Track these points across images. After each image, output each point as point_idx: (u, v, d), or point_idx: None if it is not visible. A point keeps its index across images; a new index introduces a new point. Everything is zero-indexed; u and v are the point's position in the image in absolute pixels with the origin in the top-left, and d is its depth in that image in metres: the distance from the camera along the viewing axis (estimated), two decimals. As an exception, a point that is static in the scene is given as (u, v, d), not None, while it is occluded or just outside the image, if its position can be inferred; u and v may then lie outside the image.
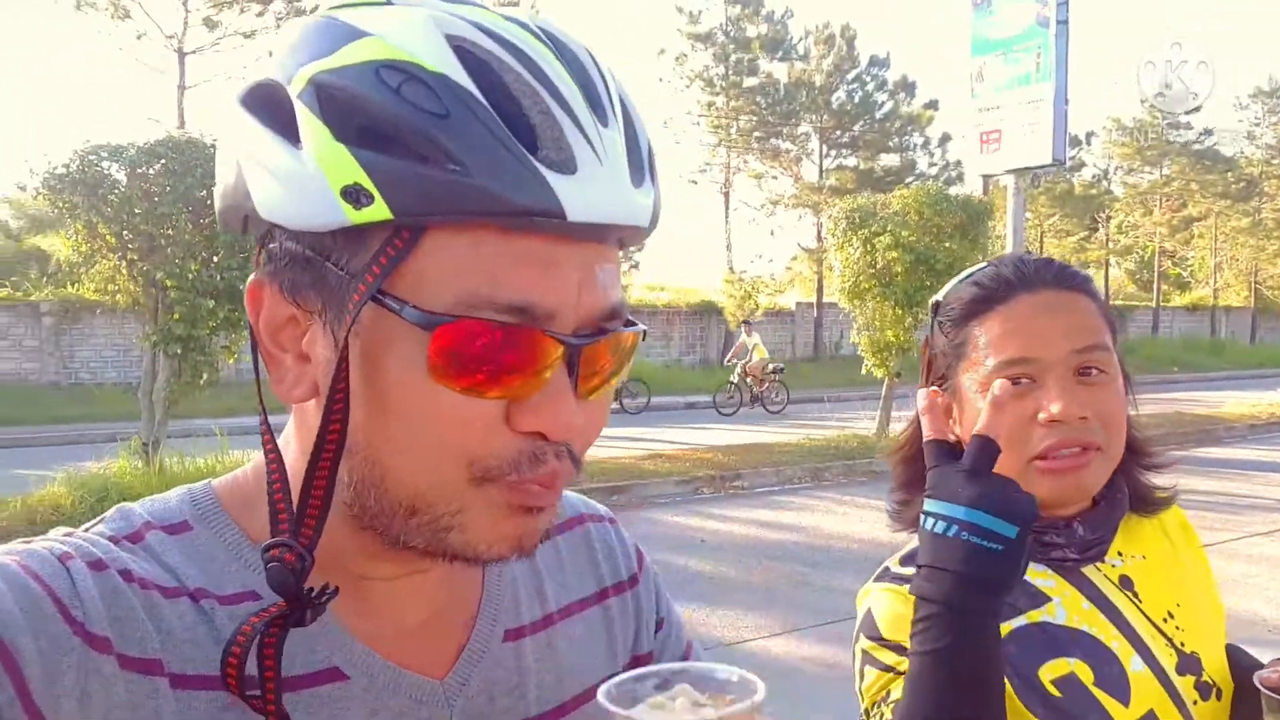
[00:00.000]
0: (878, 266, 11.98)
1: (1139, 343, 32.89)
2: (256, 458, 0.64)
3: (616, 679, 0.56)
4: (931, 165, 30.99)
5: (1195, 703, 1.03)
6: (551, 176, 0.52)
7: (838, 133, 29.73)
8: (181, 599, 0.58)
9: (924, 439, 0.95)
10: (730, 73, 29.10)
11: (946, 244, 12.06)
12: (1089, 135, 38.12)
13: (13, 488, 8.01)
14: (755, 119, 29.28)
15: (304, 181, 0.53)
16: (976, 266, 1.15)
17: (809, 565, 7.07)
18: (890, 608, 1.04)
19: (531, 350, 0.54)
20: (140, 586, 0.56)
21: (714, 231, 53.02)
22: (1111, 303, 32.55)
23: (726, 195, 31.16)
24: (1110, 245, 39.14)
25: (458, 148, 0.51)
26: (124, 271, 7.90)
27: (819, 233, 28.99)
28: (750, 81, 28.71)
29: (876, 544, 7.80)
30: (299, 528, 0.57)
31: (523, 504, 0.57)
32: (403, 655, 0.64)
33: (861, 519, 8.77)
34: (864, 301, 12.27)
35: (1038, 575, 1.06)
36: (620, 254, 0.61)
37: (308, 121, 0.53)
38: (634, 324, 0.60)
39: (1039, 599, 1.05)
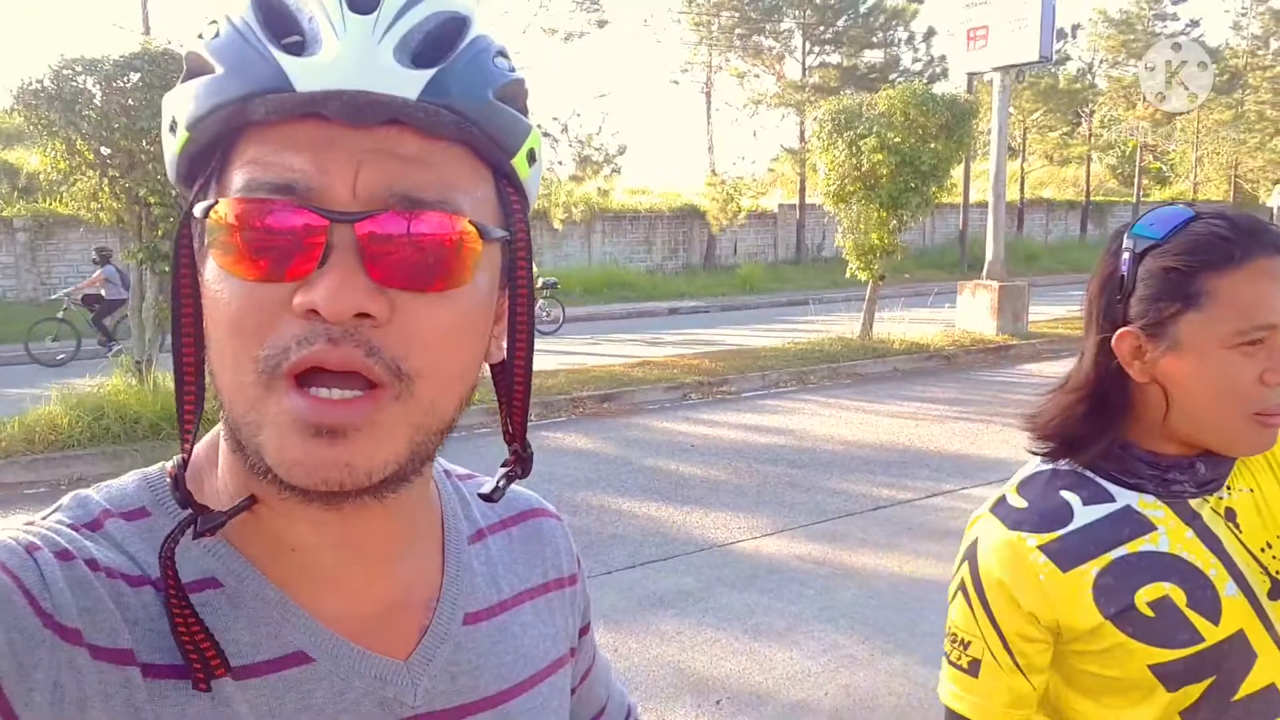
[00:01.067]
0: (863, 169, 11.93)
1: (1119, 239, 32.93)
2: (210, 432, 0.67)
3: None
4: (915, 61, 30.49)
5: None
6: (285, 58, 0.55)
7: (821, 28, 29.07)
8: (145, 588, 0.58)
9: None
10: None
11: (931, 144, 12.00)
12: (1074, 28, 37.47)
13: (5, 408, 8.07)
14: (737, 15, 28.55)
15: (167, 138, 0.62)
16: (1173, 210, 1.16)
17: (797, 467, 7.27)
18: (996, 552, 1.16)
19: (293, 223, 0.54)
20: (106, 576, 0.57)
21: (696, 133, 52.24)
22: (1092, 199, 32.19)
23: (708, 95, 30.56)
24: (1092, 140, 38.85)
25: (217, 56, 0.57)
26: (106, 189, 7.76)
27: (802, 133, 28.62)
28: (731, -24, 27.93)
29: (860, 445, 8.02)
30: (181, 441, 0.61)
31: (309, 420, 0.55)
32: (367, 638, 0.65)
33: (846, 421, 8.97)
34: (849, 205, 12.26)
35: (1147, 506, 1.16)
36: (439, 144, 0.58)
37: None
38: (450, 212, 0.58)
39: (1144, 527, 1.14)
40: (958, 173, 17.67)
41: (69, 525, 0.60)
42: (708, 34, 29.52)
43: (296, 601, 0.63)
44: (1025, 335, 13.65)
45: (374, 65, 0.56)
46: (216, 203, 0.56)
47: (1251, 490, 1.19)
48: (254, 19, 0.57)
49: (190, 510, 0.60)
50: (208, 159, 0.59)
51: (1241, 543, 1.15)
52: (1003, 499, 1.21)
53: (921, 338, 12.87)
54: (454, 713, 0.68)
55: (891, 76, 28.33)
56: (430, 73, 0.57)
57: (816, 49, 29.82)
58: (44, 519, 0.61)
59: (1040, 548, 1.15)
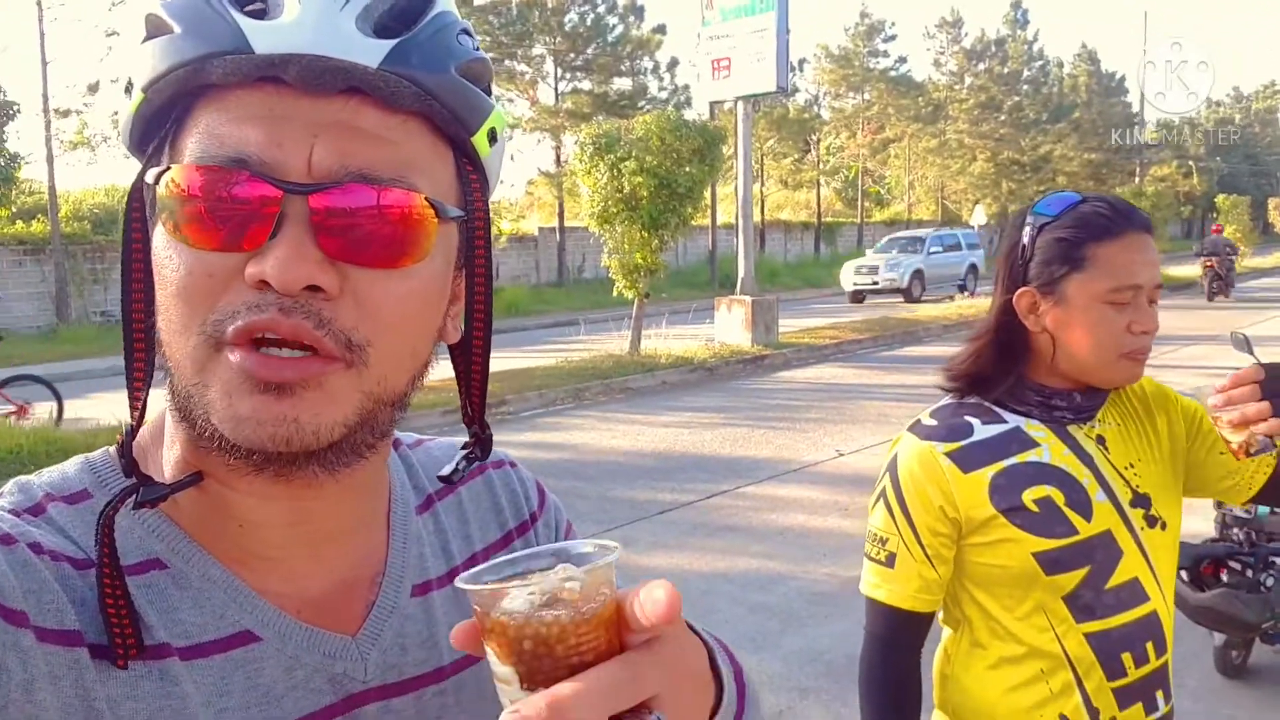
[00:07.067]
0: (624, 191, 12.39)
1: (847, 255, 35.96)
2: (155, 414, 0.66)
3: (482, 567, 0.54)
4: (662, 90, 31.86)
5: (1143, 529, 1.41)
6: (244, 20, 0.55)
7: (571, 55, 29.80)
8: (91, 570, 0.58)
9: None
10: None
11: (686, 168, 12.66)
12: (801, 62, 40.78)
13: None
14: (489, 39, 28.69)
15: (122, 101, 0.61)
16: (1065, 194, 1.44)
17: (583, 480, 7.44)
18: (912, 459, 1.43)
19: (247, 194, 0.54)
20: (51, 559, 0.56)
21: (448, 156, 51.19)
22: (823, 220, 34.55)
23: (462, 119, 30.27)
24: (820, 166, 42.19)
25: (175, 16, 0.56)
26: None
27: (558, 157, 29.16)
28: (481, 0, 28.05)
29: (640, 454, 8.32)
30: (131, 405, 0.60)
31: (255, 374, 0.54)
32: (314, 615, 0.65)
33: (624, 434, 9.28)
34: (613, 226, 12.68)
35: (1033, 428, 1.43)
36: (398, 119, 0.58)
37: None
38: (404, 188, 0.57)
39: (1029, 444, 1.42)
40: (707, 195, 18.69)
41: (10, 511, 0.59)
42: (459, 58, 29.37)
43: (243, 580, 0.62)
44: (777, 345, 14.64)
45: (334, 31, 0.55)
46: (169, 169, 0.56)
47: (1117, 425, 1.48)
48: None
49: (133, 481, 0.59)
50: (161, 123, 0.58)
51: (1110, 462, 1.44)
52: (918, 421, 1.49)
53: (685, 351, 13.50)
54: (407, 685, 0.67)
55: (640, 104, 29.45)
56: (392, 43, 0.57)
57: (568, 75, 30.53)
58: None
59: (947, 454, 1.42)
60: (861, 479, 7.14)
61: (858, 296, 24.58)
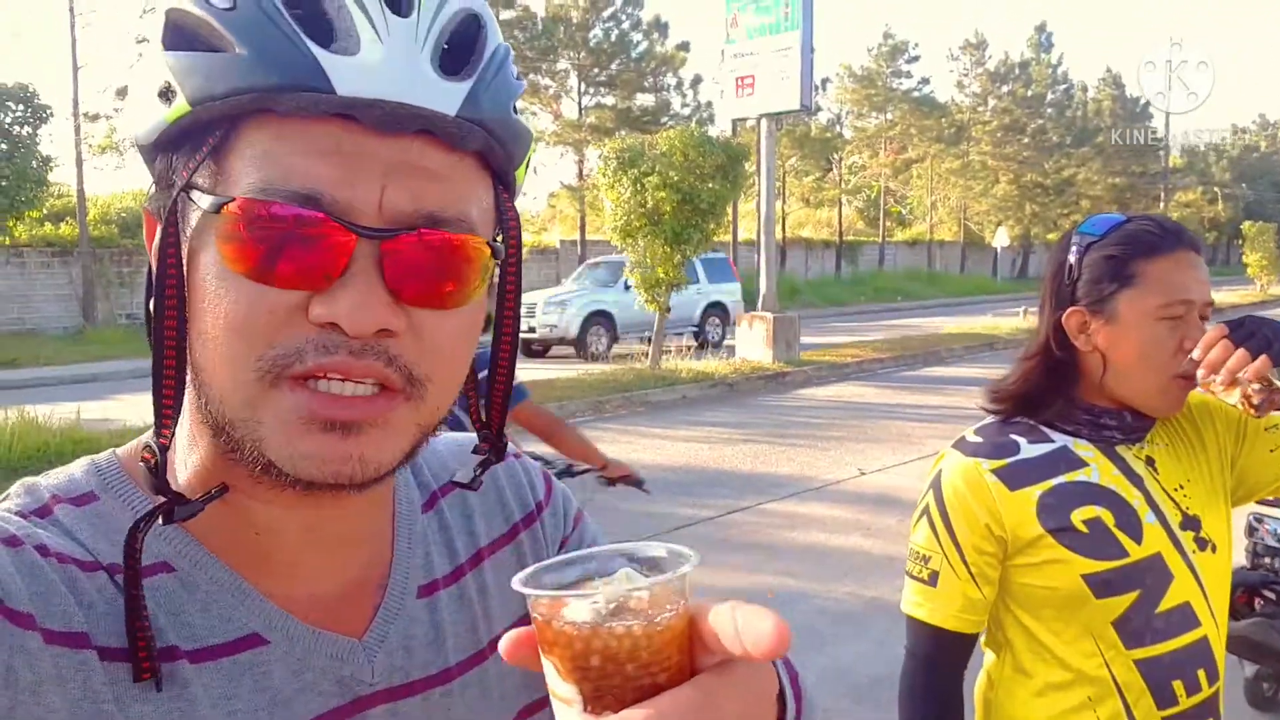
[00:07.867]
0: (647, 206, 12.44)
1: (868, 275, 36.00)
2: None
3: (539, 565, 0.51)
4: (685, 106, 31.98)
5: (1194, 552, 1.38)
6: (324, 55, 0.53)
7: (596, 71, 29.98)
8: (99, 573, 0.57)
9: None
10: (487, 3, 28.45)
11: (709, 184, 12.70)
12: (824, 82, 40.67)
13: None
14: (514, 54, 28.91)
15: (142, 96, 0.58)
16: (1110, 215, 1.43)
17: (600, 492, 7.43)
18: (957, 475, 1.41)
19: (318, 235, 0.53)
20: (58, 561, 0.56)
21: (470, 168, 51.53)
22: (844, 239, 34.56)
23: (486, 131, 30.46)
24: (842, 185, 42.18)
25: (239, 35, 0.54)
26: None
27: (580, 170, 29.30)
28: (507, 15, 28.22)
29: (659, 468, 8.29)
30: (159, 428, 0.58)
31: (319, 414, 0.54)
32: (321, 618, 0.65)
33: (644, 447, 9.26)
34: (636, 240, 12.73)
35: (1081, 448, 1.42)
36: (467, 161, 0.58)
37: (155, 49, 0.58)
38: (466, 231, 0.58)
39: (1078, 464, 1.40)
40: (729, 211, 18.67)
41: (17, 513, 0.59)
42: (485, 71, 29.59)
43: (250, 584, 0.62)
44: (798, 363, 14.61)
45: (415, 73, 0.55)
46: (233, 200, 0.54)
47: (1166, 445, 1.46)
48: None
49: (161, 497, 0.59)
50: (201, 136, 0.56)
51: (1159, 483, 1.41)
52: (962, 438, 1.48)
53: (706, 366, 13.50)
54: (414, 687, 0.67)
55: (663, 120, 29.57)
56: (467, 86, 0.57)
57: (592, 90, 30.70)
58: None
59: (993, 471, 1.39)
60: (883, 498, 7.10)
61: (528, 348, 15.56)
